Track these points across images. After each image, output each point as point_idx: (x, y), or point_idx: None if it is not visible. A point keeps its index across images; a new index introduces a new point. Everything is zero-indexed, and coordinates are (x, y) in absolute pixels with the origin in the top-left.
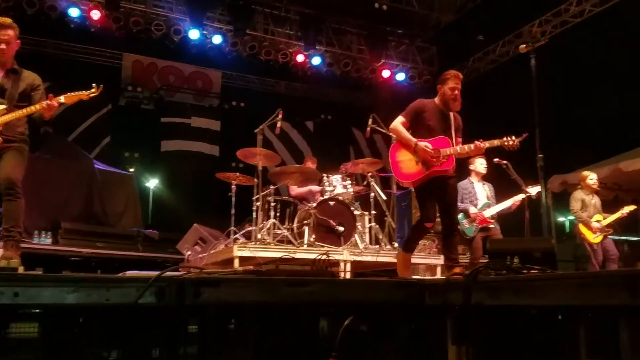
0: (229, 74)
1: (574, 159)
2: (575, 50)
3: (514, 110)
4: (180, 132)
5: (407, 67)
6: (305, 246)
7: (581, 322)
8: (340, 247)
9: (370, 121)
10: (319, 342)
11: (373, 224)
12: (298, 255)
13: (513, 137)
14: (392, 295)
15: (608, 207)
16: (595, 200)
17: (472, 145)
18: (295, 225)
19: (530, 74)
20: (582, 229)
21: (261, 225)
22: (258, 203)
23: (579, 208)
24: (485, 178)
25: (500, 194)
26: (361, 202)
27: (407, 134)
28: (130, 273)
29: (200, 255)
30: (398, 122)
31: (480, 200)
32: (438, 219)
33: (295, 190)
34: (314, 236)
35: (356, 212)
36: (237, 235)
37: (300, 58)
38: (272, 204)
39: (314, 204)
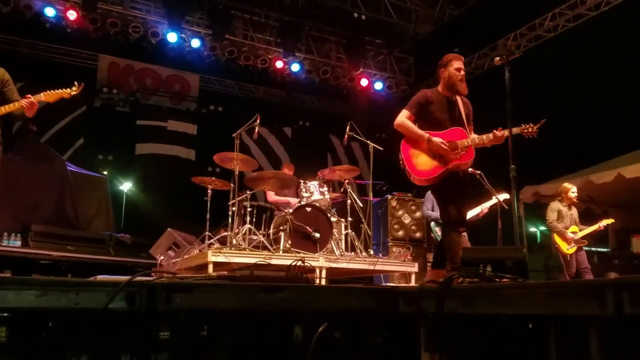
0: (207, 78)
1: (546, 171)
2: (548, 63)
3: (488, 122)
4: (156, 136)
5: (385, 76)
6: (280, 252)
7: (551, 331)
8: (316, 254)
9: (348, 128)
10: (293, 349)
11: (349, 230)
12: (274, 261)
13: (532, 124)
14: (366, 302)
15: (580, 219)
16: (572, 212)
17: (490, 135)
18: (271, 231)
19: (504, 86)
20: (557, 239)
21: (237, 231)
22: (234, 208)
23: (555, 219)
24: None
25: (473, 203)
26: (338, 209)
27: (416, 129)
28: (101, 277)
29: (173, 261)
30: (403, 117)
31: None
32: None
33: (272, 197)
34: (289, 242)
35: (333, 219)
36: (211, 241)
37: (279, 64)
38: (249, 210)
39: (291, 210)
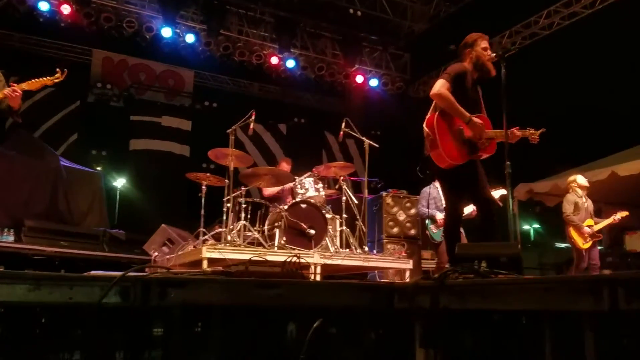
0: (201, 74)
1: (539, 168)
2: (543, 61)
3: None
4: (150, 131)
5: (380, 73)
6: (275, 248)
7: (546, 327)
8: (311, 250)
9: (343, 125)
10: (288, 345)
11: (344, 227)
12: (269, 258)
13: (533, 130)
14: (361, 297)
15: None
16: (588, 204)
17: (515, 131)
18: (266, 227)
19: (500, 83)
20: (573, 233)
21: (231, 227)
22: (229, 204)
23: (572, 211)
24: None
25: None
26: (333, 206)
27: (459, 105)
28: (94, 273)
29: (167, 257)
30: (444, 87)
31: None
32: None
33: (267, 190)
34: (284, 238)
35: (328, 216)
36: (206, 237)
37: (274, 60)
38: (243, 206)
39: (286, 207)
